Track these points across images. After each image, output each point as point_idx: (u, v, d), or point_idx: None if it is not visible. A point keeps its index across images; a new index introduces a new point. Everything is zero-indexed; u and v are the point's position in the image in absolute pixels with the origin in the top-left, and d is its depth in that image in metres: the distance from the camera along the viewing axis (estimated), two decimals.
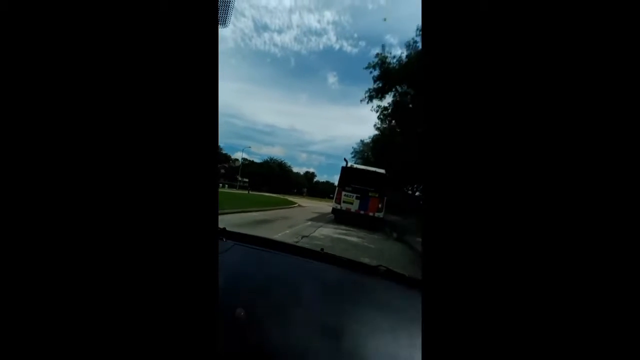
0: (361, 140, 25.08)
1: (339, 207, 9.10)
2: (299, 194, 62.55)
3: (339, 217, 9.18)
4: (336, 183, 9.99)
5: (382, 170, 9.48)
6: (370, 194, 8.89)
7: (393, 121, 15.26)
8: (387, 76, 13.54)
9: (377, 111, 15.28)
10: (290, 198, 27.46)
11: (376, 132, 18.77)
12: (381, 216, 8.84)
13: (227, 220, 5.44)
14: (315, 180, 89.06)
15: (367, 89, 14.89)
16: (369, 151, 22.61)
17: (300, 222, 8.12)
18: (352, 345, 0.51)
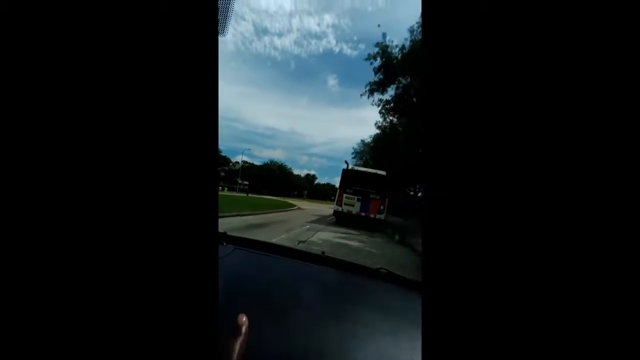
0: (362, 140, 24.67)
1: (340, 209, 9.05)
2: (300, 196, 62.24)
3: (340, 219, 9.08)
4: (337, 185, 10.01)
5: (382, 172, 9.46)
6: (371, 196, 8.83)
7: (395, 116, 14.34)
8: (389, 67, 12.43)
9: (378, 105, 14.01)
10: (290, 200, 27.13)
11: (377, 132, 18.35)
12: (382, 218, 8.75)
13: (220, 225, 5.06)
14: (316, 182, 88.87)
15: (367, 82, 13.79)
16: (368, 154, 22.19)
17: (298, 225, 7.76)
18: (353, 348, 0.51)
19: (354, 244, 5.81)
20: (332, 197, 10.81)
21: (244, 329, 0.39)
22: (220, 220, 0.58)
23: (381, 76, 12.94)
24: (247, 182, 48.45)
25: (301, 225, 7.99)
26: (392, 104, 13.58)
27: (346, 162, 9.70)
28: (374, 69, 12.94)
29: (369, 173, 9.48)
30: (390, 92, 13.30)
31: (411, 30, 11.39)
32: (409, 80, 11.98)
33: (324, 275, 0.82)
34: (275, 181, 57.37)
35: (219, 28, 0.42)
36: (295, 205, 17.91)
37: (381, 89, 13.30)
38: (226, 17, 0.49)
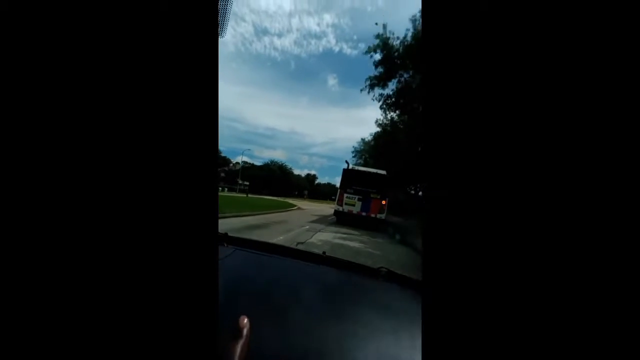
0: (362, 139, 24.29)
1: (340, 209, 9.04)
2: (300, 196, 62.07)
3: (341, 219, 9.05)
4: (337, 185, 10.05)
5: (383, 172, 9.45)
6: (371, 196, 8.82)
7: (397, 112, 13.54)
8: (390, 60, 11.55)
9: (379, 100, 12.99)
10: (290, 200, 26.95)
11: (378, 130, 18.04)
12: (383, 217, 8.72)
13: None
14: (316, 182, 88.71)
15: (367, 77, 12.84)
16: (368, 152, 21.92)
17: (297, 226, 7.57)
18: (354, 348, 0.52)
19: (355, 244, 5.63)
20: (333, 197, 10.90)
21: (245, 331, 0.39)
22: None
23: (381, 70, 12.15)
24: (247, 183, 48.32)
25: (300, 225, 7.80)
26: (393, 99, 12.70)
27: (347, 162, 9.72)
28: (374, 62, 12.08)
29: (370, 173, 9.45)
30: (392, 86, 12.48)
31: (413, 20, 10.55)
32: (410, 73, 11.22)
33: (325, 275, 0.81)
34: (276, 181, 57.24)
35: (218, 29, 0.38)
36: (295, 206, 17.73)
37: (382, 83, 12.51)
38: (225, 17, 0.47)
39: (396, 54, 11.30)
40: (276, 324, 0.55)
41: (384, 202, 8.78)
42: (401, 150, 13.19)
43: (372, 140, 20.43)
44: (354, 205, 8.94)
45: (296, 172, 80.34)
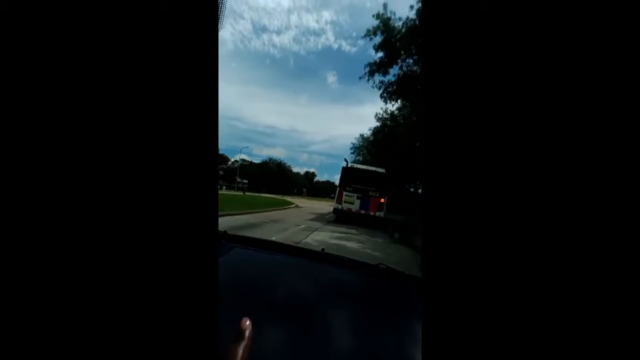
0: (361, 135, 23.72)
1: (340, 207, 9.08)
2: (299, 194, 61.81)
3: (340, 217, 9.06)
4: (336, 182, 10.14)
5: (382, 170, 9.57)
6: (370, 194, 8.88)
7: (399, 101, 11.91)
8: (391, 44, 9.93)
9: (379, 88, 11.36)
10: (289, 198, 26.63)
11: (377, 124, 17.38)
12: (382, 215, 8.80)
13: None
14: (315, 180, 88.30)
15: (366, 63, 11.10)
16: (366, 148, 21.46)
17: (292, 225, 7.25)
18: (354, 344, 0.51)
19: (353, 245, 5.31)
20: (332, 195, 10.83)
21: (247, 333, 0.38)
22: None
23: (382, 54, 10.48)
24: (246, 181, 48.02)
25: (296, 224, 7.48)
26: (394, 87, 10.92)
27: (346, 160, 9.81)
28: (374, 46, 10.43)
29: (369, 171, 9.53)
30: (394, 72, 10.78)
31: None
32: (414, 59, 9.78)
33: (324, 271, 0.81)
34: (274, 179, 56.93)
35: (219, 27, 0.38)
36: (292, 203, 17.39)
37: (382, 69, 10.81)
38: (222, 12, 0.44)
39: (398, 35, 9.75)
40: (275, 320, 0.54)
41: (382, 200, 8.85)
42: (401, 144, 12.74)
43: (371, 135, 19.72)
44: (353, 203, 8.92)
45: (295, 169, 79.91)
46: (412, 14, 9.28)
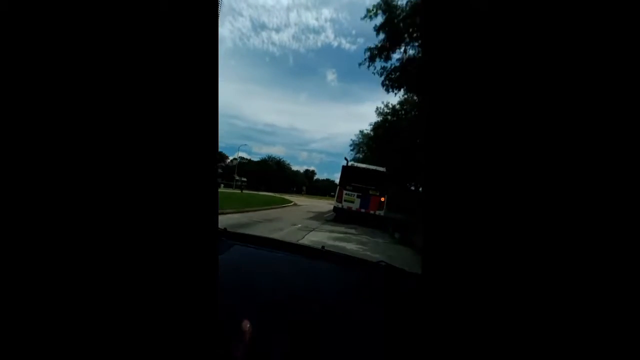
0: (360, 131, 23.22)
1: (340, 205, 9.06)
2: (299, 192, 61.51)
3: (340, 216, 9.03)
4: (336, 181, 10.19)
5: (382, 168, 9.57)
6: (371, 192, 8.86)
7: (402, 90, 10.34)
8: (394, 25, 8.65)
9: (380, 75, 10.01)
10: (287, 196, 26.29)
11: (377, 119, 16.69)
12: (382, 214, 8.75)
13: None
14: (315, 178, 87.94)
15: (366, 48, 9.77)
16: (366, 145, 20.92)
17: (289, 224, 6.91)
18: (353, 342, 0.51)
19: (352, 246, 4.97)
20: (332, 193, 10.73)
21: (247, 335, 0.38)
22: None
23: (383, 38, 9.17)
24: (244, 179, 47.72)
25: (293, 223, 7.15)
26: (397, 73, 9.62)
27: (346, 158, 9.88)
28: (374, 27, 9.11)
29: (369, 170, 9.51)
30: (398, 57, 9.48)
31: None
32: (419, 42, 8.74)
33: (324, 269, 0.81)
34: (274, 177, 56.61)
35: (218, 27, 0.39)
36: (290, 202, 17.07)
37: (384, 54, 9.47)
38: (220, 11, 0.46)
39: (401, 15, 8.53)
40: (275, 318, 0.54)
41: (382, 199, 8.80)
42: (402, 138, 12.29)
43: (371, 130, 18.91)
44: (353, 202, 8.87)
45: (295, 168, 79.68)
46: None
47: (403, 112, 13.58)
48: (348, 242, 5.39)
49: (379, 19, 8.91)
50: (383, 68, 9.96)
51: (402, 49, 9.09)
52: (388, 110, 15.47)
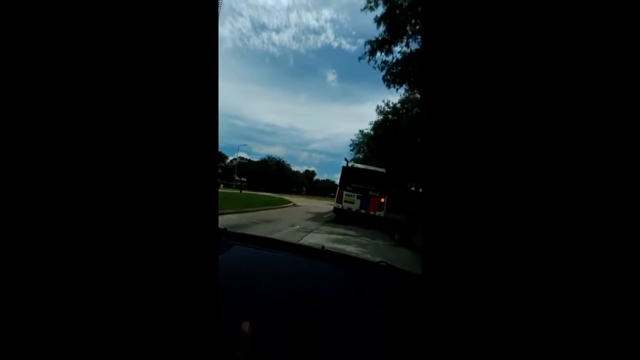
0: (360, 131, 22.75)
1: (340, 206, 9.06)
2: (298, 192, 61.34)
3: (341, 217, 9.04)
4: (336, 181, 10.18)
5: (382, 169, 9.59)
6: (371, 193, 8.86)
7: (404, 86, 9.47)
8: (395, 17, 7.84)
9: (381, 69, 9.10)
10: (286, 197, 26.13)
11: (378, 118, 16.31)
12: (382, 215, 8.73)
13: None
14: (315, 178, 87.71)
15: (366, 41, 8.87)
16: (366, 144, 20.57)
17: (286, 226, 6.74)
18: (354, 341, 0.51)
19: (352, 249, 4.81)
20: (332, 194, 10.67)
21: (247, 335, 0.38)
22: None
23: (384, 30, 8.30)
24: (244, 179, 47.56)
25: (291, 225, 6.98)
26: (399, 68, 8.78)
27: (346, 159, 9.91)
28: (375, 18, 8.23)
29: (369, 170, 9.53)
30: (399, 49, 8.58)
31: None
32: (421, 37, 8.40)
33: (324, 269, 0.81)
34: (273, 177, 56.47)
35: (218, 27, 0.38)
36: (290, 202, 16.91)
37: (385, 47, 8.63)
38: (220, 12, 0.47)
39: (403, 5, 7.73)
40: (275, 318, 0.53)
41: (383, 200, 8.77)
42: (403, 137, 12.08)
43: (371, 129, 18.44)
44: (353, 203, 8.87)
45: (295, 168, 79.41)
46: None
47: (404, 110, 13.36)
48: (347, 244, 5.23)
49: (380, 10, 8.10)
50: (384, 62, 9.05)
51: (404, 42, 8.29)
52: (389, 109, 15.19)
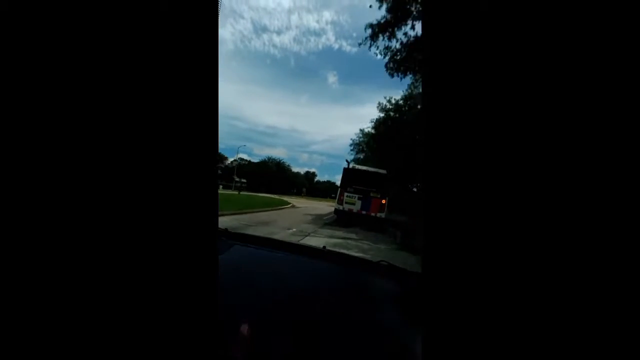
0: (361, 130, 22.22)
1: (341, 207, 9.01)
2: (299, 194, 60.99)
3: (341, 218, 9.00)
4: (337, 183, 10.16)
5: (383, 171, 9.58)
6: (372, 195, 8.81)
7: (408, 74, 8.56)
8: None
9: (384, 55, 8.00)
10: (286, 198, 25.76)
11: (380, 115, 15.63)
12: (383, 216, 8.66)
13: None
14: (316, 180, 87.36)
15: (367, 24, 7.76)
16: (366, 143, 20.01)
17: (283, 229, 6.35)
18: (354, 340, 0.50)
19: (350, 254, 4.43)
20: (332, 195, 11.85)
21: (246, 338, 0.38)
22: None
23: (386, 11, 7.24)
24: (244, 180, 47.27)
25: (287, 227, 6.59)
26: (404, 54, 7.69)
27: (347, 161, 9.93)
28: None
29: (370, 172, 9.51)
30: (403, 33, 7.49)
31: None
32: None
33: (325, 269, 0.81)
34: (273, 179, 56.15)
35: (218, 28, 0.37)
36: (289, 203, 16.52)
37: (388, 31, 7.54)
38: (220, 13, 0.45)
39: None
40: (276, 318, 0.53)
41: (383, 201, 8.72)
42: (404, 135, 11.62)
43: (372, 128, 17.55)
44: (354, 204, 8.80)
45: (296, 169, 79.15)
46: None
47: (407, 107, 12.89)
48: (348, 249, 4.84)
49: None
50: (387, 48, 7.87)
51: (409, 24, 7.13)
52: (391, 106, 14.61)
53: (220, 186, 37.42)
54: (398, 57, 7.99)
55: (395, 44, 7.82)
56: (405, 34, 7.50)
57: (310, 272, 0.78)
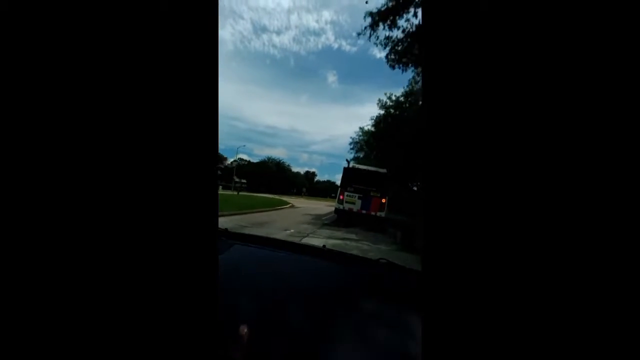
0: (360, 128, 22.02)
1: (341, 207, 9.00)
2: (299, 193, 60.83)
3: (342, 217, 9.01)
4: (337, 182, 10.44)
5: (383, 170, 9.60)
6: (372, 194, 8.80)
7: (410, 66, 7.84)
8: None
9: (384, 46, 7.31)
10: (286, 198, 25.58)
11: (380, 112, 15.24)
12: (383, 215, 8.64)
13: None
14: (316, 179, 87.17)
15: (367, 12, 6.98)
16: (366, 141, 19.71)
17: (280, 229, 6.16)
18: (354, 339, 0.50)
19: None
20: (332, 195, 11.93)
21: (245, 339, 0.38)
22: None
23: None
24: (244, 180, 47.09)
25: (285, 228, 6.41)
26: (405, 44, 7.03)
27: (347, 160, 9.98)
28: None
29: (370, 171, 9.52)
30: (404, 21, 6.78)
31: None
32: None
33: (325, 268, 0.81)
34: (273, 179, 55.98)
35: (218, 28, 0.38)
36: (288, 203, 16.34)
37: (389, 19, 6.84)
38: (220, 14, 0.46)
39: None
40: (276, 317, 0.53)
41: (384, 200, 8.71)
42: (405, 132, 11.40)
43: (372, 125, 17.01)
44: (354, 203, 8.78)
45: (296, 169, 78.96)
46: None
47: (407, 104, 12.65)
48: (347, 250, 4.65)
49: None
50: (387, 38, 7.14)
51: (411, 12, 6.46)
52: (391, 103, 14.25)
53: (220, 187, 37.24)
54: (399, 48, 7.36)
55: (397, 34, 7.07)
56: (407, 20, 6.66)
57: (310, 271, 0.77)
